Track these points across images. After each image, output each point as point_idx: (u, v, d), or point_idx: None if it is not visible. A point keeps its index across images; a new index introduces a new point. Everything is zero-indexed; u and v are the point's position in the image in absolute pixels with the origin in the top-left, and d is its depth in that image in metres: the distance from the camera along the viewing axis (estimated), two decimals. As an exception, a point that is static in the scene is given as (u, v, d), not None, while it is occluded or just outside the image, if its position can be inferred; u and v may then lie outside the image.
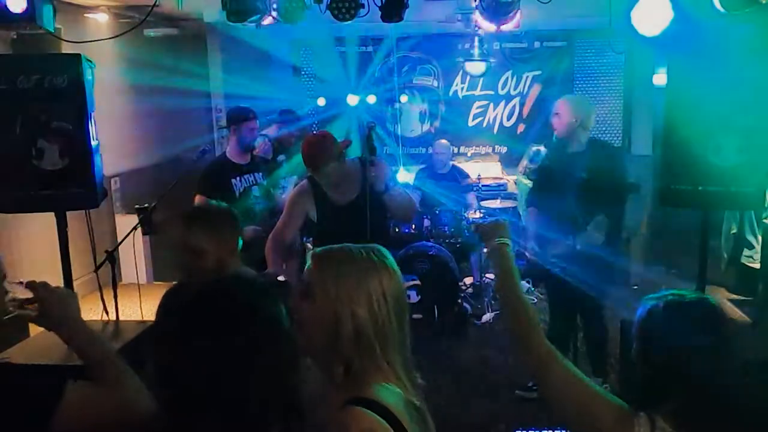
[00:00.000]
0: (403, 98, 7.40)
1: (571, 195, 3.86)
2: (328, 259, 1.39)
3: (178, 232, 2.13)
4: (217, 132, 6.44)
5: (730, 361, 1.42)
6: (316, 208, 3.38)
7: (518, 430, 3.51)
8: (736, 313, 5.29)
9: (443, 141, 6.28)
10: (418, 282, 5.19)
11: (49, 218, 3.24)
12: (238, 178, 4.08)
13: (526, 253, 6.61)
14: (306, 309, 1.35)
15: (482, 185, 6.20)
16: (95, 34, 5.65)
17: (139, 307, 4.73)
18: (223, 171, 4.06)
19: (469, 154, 7.52)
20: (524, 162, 7.27)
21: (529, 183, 6.81)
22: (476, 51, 6.11)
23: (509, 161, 7.50)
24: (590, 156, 3.89)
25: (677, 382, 1.41)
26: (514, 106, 7.51)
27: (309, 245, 4.58)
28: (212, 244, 2.10)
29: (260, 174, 4.20)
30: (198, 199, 3.93)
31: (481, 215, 5.86)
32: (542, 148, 6.81)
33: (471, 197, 6.09)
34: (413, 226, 5.59)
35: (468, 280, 5.95)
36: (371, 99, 7.20)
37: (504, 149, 7.57)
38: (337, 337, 1.31)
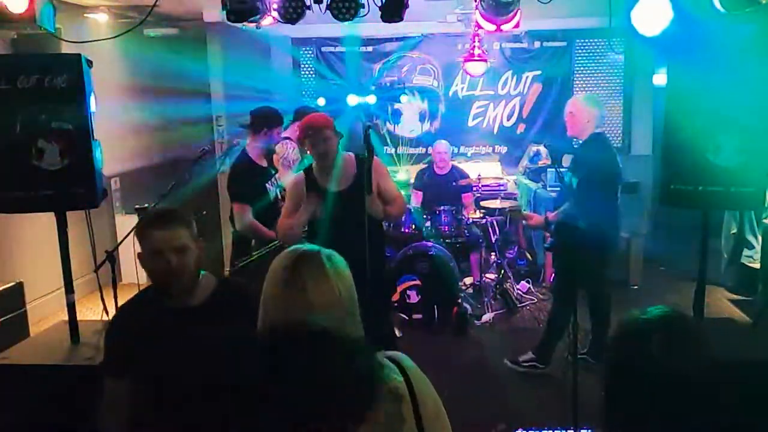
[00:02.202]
0: (403, 98, 7.40)
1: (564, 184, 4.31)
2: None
3: (159, 234, 2.06)
4: (216, 132, 6.43)
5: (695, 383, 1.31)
6: (306, 195, 3.43)
7: (518, 430, 3.51)
8: (736, 313, 5.30)
9: (443, 141, 6.28)
10: (418, 282, 5.19)
11: (49, 218, 3.24)
12: (269, 182, 4.11)
13: (527, 254, 6.63)
14: None
15: (482, 185, 6.20)
16: (95, 34, 5.65)
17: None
18: (258, 176, 4.05)
19: (469, 154, 7.52)
20: (524, 162, 7.27)
21: (529, 183, 6.82)
22: (476, 51, 6.11)
23: (509, 161, 7.50)
24: (579, 151, 4.19)
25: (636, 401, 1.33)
26: (514, 106, 7.50)
27: None
28: (192, 241, 2.10)
29: (276, 175, 4.25)
30: (238, 207, 3.91)
31: (482, 215, 5.87)
32: (542, 148, 6.82)
33: (471, 197, 6.10)
34: (413, 226, 5.59)
35: (468, 280, 5.95)
36: (371, 99, 7.20)
37: (504, 149, 7.57)
38: None
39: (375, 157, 3.39)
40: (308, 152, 3.54)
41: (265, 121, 4.12)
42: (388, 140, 7.58)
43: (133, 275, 5.73)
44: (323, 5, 3.95)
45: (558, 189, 5.53)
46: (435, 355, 4.59)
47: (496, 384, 4.26)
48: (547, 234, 4.68)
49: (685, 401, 1.28)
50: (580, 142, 4.24)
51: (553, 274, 5.23)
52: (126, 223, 5.83)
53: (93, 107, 3.18)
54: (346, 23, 3.97)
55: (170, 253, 2.04)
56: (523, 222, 5.07)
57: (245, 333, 2.05)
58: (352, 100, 7.00)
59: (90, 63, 3.19)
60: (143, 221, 2.15)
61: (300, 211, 3.39)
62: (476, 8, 4.34)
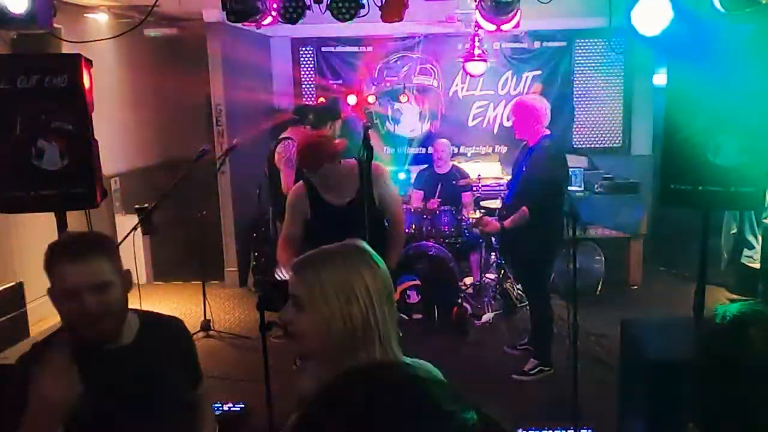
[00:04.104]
0: (403, 98, 7.40)
1: (512, 186, 4.41)
2: (308, 266, 1.39)
3: (72, 270, 1.64)
4: (216, 132, 6.44)
5: None
6: (310, 209, 3.38)
7: (518, 430, 3.51)
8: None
9: (443, 140, 6.27)
10: (418, 282, 5.19)
11: (49, 218, 3.24)
12: None
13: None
14: (300, 320, 1.37)
15: (482, 185, 6.20)
16: (95, 34, 5.65)
17: (139, 307, 4.73)
18: None
19: (469, 154, 7.51)
20: (524, 162, 7.27)
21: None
22: (476, 51, 6.10)
23: (509, 161, 7.48)
24: (532, 153, 4.21)
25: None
26: (514, 106, 7.50)
27: None
28: (115, 274, 1.72)
29: None
30: None
31: (481, 215, 5.87)
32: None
33: (470, 197, 6.09)
34: (413, 226, 5.59)
35: (468, 280, 5.94)
36: (371, 99, 7.20)
37: (504, 149, 7.56)
38: (333, 339, 1.33)
39: (377, 163, 3.37)
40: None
41: (327, 115, 4.50)
42: (388, 140, 7.57)
43: (133, 275, 5.76)
44: (323, 5, 3.95)
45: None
46: (435, 355, 4.59)
47: (496, 384, 4.26)
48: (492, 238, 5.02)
49: None
50: (530, 146, 4.27)
51: (515, 279, 5.48)
52: (126, 223, 5.83)
53: (93, 107, 3.18)
54: (346, 23, 3.98)
55: (87, 293, 1.63)
56: (478, 228, 5.11)
57: (180, 371, 1.91)
58: (352, 100, 6.99)
59: (90, 63, 3.19)
60: (51, 251, 1.68)
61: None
62: (476, 8, 4.34)
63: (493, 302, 5.60)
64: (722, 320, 1.37)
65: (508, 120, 7.55)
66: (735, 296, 5.70)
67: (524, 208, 4.12)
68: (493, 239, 5.90)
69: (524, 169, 4.24)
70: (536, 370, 4.36)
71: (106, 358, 1.75)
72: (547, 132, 4.25)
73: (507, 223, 4.25)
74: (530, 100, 4.32)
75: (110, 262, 1.71)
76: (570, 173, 4.39)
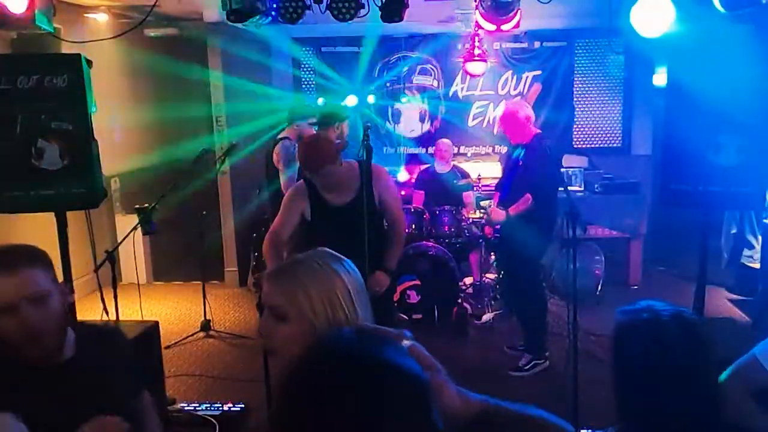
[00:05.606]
0: (403, 98, 7.40)
1: (509, 179, 4.49)
2: (288, 275, 1.35)
3: (2, 284, 1.53)
4: (216, 132, 6.44)
5: (704, 385, 1.39)
6: (310, 209, 3.37)
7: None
8: (736, 313, 5.30)
9: (445, 140, 6.27)
10: (418, 282, 5.19)
11: (49, 218, 3.24)
12: None
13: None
14: (282, 331, 1.33)
15: (482, 185, 6.20)
16: (95, 34, 5.65)
17: (139, 307, 4.74)
18: None
19: (469, 154, 7.51)
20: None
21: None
22: (476, 51, 6.11)
23: (509, 161, 7.50)
24: (529, 149, 4.30)
25: (642, 402, 1.40)
26: (514, 106, 7.49)
27: None
28: (52, 283, 1.63)
29: None
30: None
31: (482, 214, 5.87)
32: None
33: (471, 197, 6.09)
34: (413, 226, 5.59)
35: (468, 280, 5.94)
36: (371, 99, 7.19)
37: (504, 149, 7.55)
38: None
39: (377, 165, 3.37)
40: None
41: (335, 117, 4.62)
42: (388, 140, 7.58)
43: (133, 275, 5.76)
44: (323, 5, 3.96)
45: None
46: (435, 355, 4.57)
47: (496, 384, 4.25)
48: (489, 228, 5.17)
49: (697, 391, 1.36)
50: (524, 144, 4.34)
51: (503, 273, 5.42)
52: (126, 223, 5.83)
53: (93, 107, 3.19)
54: (346, 23, 3.98)
55: (26, 306, 1.53)
56: (486, 218, 5.15)
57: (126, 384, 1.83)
58: (352, 100, 6.99)
59: (90, 63, 3.19)
60: None
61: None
62: (476, 8, 4.35)
63: (493, 302, 5.60)
64: (638, 315, 1.43)
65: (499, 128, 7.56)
66: (735, 296, 5.70)
67: (528, 195, 4.17)
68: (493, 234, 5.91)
69: (520, 163, 4.31)
70: (531, 364, 4.40)
71: (47, 376, 1.65)
72: (539, 131, 4.35)
73: (511, 209, 4.28)
74: (513, 106, 4.41)
75: (45, 272, 1.61)
76: (563, 170, 4.58)
